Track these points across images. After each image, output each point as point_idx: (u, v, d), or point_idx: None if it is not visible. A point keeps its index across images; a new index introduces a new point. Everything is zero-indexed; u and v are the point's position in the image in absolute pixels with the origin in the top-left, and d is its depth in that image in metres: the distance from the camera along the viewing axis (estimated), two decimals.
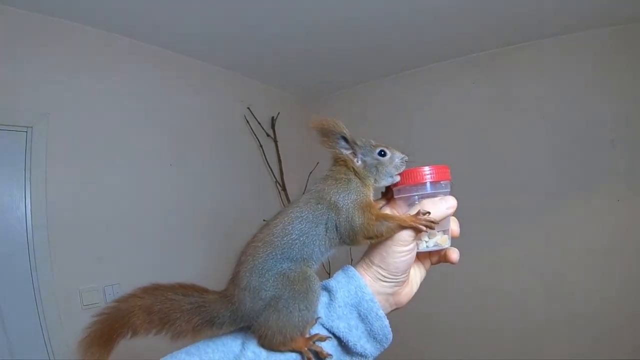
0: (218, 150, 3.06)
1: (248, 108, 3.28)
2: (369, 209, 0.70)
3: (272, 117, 3.49)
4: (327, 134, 0.75)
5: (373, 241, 0.70)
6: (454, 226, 0.75)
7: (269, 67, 3.24)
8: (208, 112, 3.03)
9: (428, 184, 0.72)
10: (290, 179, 3.47)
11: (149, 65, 2.69)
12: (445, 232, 0.73)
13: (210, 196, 2.93)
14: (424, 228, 0.67)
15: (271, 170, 3.42)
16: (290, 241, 0.69)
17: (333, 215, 0.71)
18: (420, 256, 0.78)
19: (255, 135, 3.32)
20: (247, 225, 2.90)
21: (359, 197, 0.72)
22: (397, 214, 0.72)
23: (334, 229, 0.71)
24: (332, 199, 0.71)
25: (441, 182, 0.72)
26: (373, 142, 0.76)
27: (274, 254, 0.69)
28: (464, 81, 3.21)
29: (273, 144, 3.46)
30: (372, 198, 0.75)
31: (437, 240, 0.72)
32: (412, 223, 0.67)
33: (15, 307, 1.93)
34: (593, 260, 2.68)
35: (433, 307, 2.87)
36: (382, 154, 0.75)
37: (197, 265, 2.70)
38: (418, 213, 0.67)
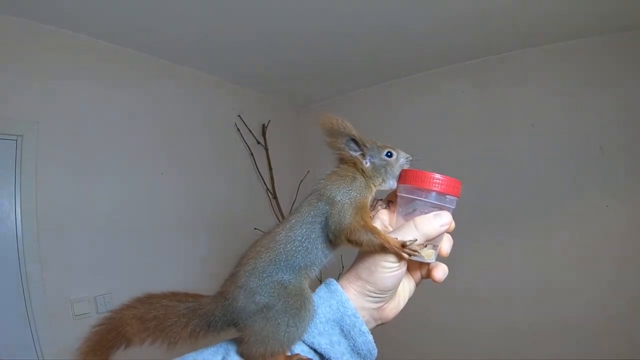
0: (209, 158, 3.07)
1: (239, 115, 3.29)
2: (361, 212, 0.69)
3: (263, 125, 3.51)
4: (336, 135, 0.74)
5: (352, 246, 0.68)
6: (445, 245, 0.72)
7: (260, 75, 3.25)
8: (199, 120, 3.04)
9: (434, 194, 0.68)
10: (281, 187, 3.48)
11: (140, 73, 2.69)
12: (434, 247, 0.70)
13: (201, 204, 2.93)
14: (406, 256, 0.65)
15: (262, 178, 3.43)
16: (294, 248, 0.68)
17: (327, 208, 0.69)
18: (410, 267, 0.74)
19: (246, 142, 3.33)
20: (238, 233, 2.91)
21: (358, 195, 0.70)
22: (384, 234, 0.67)
23: (327, 225, 0.70)
24: (332, 194, 0.70)
25: (447, 196, 0.69)
26: (379, 144, 0.76)
27: (276, 260, 0.68)
28: (454, 89, 3.25)
29: (264, 152, 3.47)
30: (368, 202, 0.73)
31: (422, 253, 0.67)
32: (395, 248, 0.65)
33: (6, 317, 1.92)
34: (583, 264, 2.72)
35: (423, 307, 2.88)
36: (389, 155, 0.75)
37: (189, 273, 2.70)
38: (404, 244, 0.65)
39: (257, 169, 3.39)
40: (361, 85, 3.64)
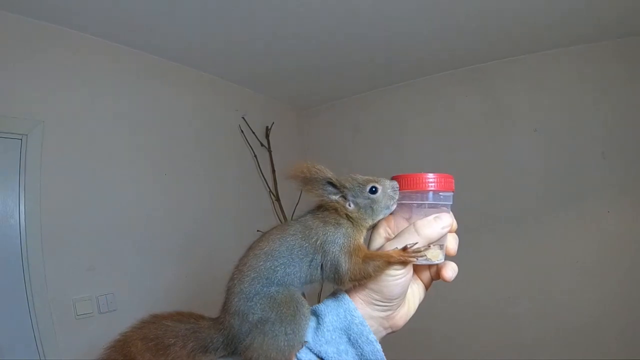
0: (212, 159, 3.07)
1: (242, 117, 3.30)
2: (356, 253, 0.67)
3: (267, 127, 3.51)
4: (311, 182, 0.70)
5: (362, 282, 0.67)
6: (451, 244, 0.70)
7: (264, 77, 3.26)
8: (203, 122, 3.05)
9: (430, 194, 0.67)
10: (284, 189, 3.47)
11: (144, 74, 2.70)
12: (440, 246, 0.68)
13: (204, 206, 2.93)
14: (414, 260, 0.64)
15: (265, 180, 3.43)
16: (273, 266, 0.67)
17: (319, 256, 0.68)
18: (418, 271, 0.73)
19: (249, 144, 3.33)
20: (241, 234, 2.91)
21: (347, 241, 0.68)
22: (383, 252, 0.66)
23: (318, 268, 0.68)
24: (319, 241, 0.68)
25: (440, 193, 0.67)
26: (360, 179, 0.70)
27: (259, 278, 0.67)
28: (457, 94, 3.25)
29: (267, 154, 3.48)
30: (362, 240, 0.70)
31: (427, 255, 0.66)
32: (400, 258, 0.63)
33: (8, 317, 1.92)
34: (583, 269, 2.71)
35: (421, 318, 2.88)
36: (373, 190, 0.69)
37: (191, 275, 2.70)
38: (405, 248, 0.64)
39: (261, 171, 3.40)
40: (364, 89, 3.64)
